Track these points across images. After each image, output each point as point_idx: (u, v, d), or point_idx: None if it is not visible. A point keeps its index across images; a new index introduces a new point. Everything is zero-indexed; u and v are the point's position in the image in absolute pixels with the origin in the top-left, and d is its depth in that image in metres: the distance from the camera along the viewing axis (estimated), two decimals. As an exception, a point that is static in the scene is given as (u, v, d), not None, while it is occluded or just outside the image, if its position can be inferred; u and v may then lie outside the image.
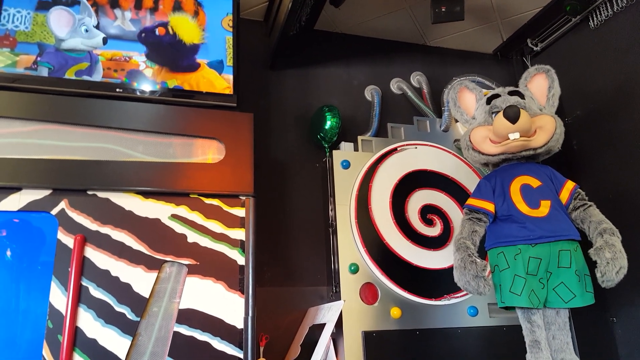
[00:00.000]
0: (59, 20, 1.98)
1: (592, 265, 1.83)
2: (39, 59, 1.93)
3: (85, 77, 1.97)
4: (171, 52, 2.12)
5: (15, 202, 1.73)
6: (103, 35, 2.03)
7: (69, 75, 1.95)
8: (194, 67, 2.13)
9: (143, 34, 2.09)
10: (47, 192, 1.77)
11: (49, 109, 1.86)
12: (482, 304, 2.42)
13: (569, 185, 2.00)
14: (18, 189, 1.75)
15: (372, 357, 2.16)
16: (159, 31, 2.11)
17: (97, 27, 2.04)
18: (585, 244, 1.90)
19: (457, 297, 2.39)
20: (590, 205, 1.97)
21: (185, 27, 2.17)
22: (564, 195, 1.98)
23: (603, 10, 2.60)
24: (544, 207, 1.93)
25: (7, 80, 1.87)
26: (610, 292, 2.05)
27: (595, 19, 2.66)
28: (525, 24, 2.97)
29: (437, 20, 2.45)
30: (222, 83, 2.14)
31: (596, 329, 2.52)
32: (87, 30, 1.99)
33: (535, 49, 3.06)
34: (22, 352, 1.62)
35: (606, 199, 2.43)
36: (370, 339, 2.20)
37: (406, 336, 2.26)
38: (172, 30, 2.14)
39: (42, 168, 1.77)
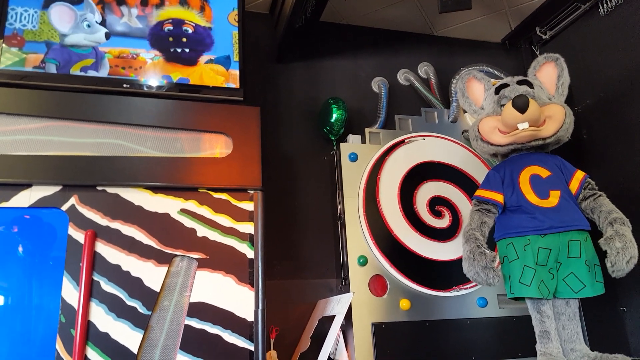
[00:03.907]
0: (60, 16, 1.99)
1: (602, 255, 1.82)
2: (45, 56, 1.94)
3: (92, 72, 1.97)
4: (176, 45, 2.11)
5: (26, 198, 1.75)
6: (105, 30, 2.03)
7: (75, 70, 1.96)
8: (194, 60, 2.12)
9: (152, 30, 2.09)
10: (57, 188, 1.79)
11: (58, 105, 1.87)
12: (491, 295, 2.42)
13: (579, 175, 1.99)
14: (28, 185, 1.76)
15: (381, 349, 2.17)
16: (165, 26, 2.11)
17: (104, 24, 2.04)
18: (595, 234, 1.89)
19: (467, 288, 2.39)
20: (600, 195, 1.96)
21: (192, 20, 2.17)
22: (574, 185, 1.97)
23: (613, -4, 2.55)
24: (554, 198, 1.92)
25: (16, 77, 1.88)
26: (621, 282, 2.04)
27: (605, 5, 2.61)
28: (533, 12, 2.92)
29: (444, 10, 2.41)
30: (228, 79, 2.14)
31: (606, 319, 2.51)
32: (89, 26, 1.99)
33: (544, 37, 3.01)
34: (36, 347, 1.65)
35: (616, 188, 2.41)
36: (380, 331, 2.20)
37: (415, 327, 2.27)
38: (181, 23, 2.13)
39: (52, 164, 1.79)
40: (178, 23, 2.14)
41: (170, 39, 2.11)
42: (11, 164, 1.75)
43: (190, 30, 2.14)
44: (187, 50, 2.12)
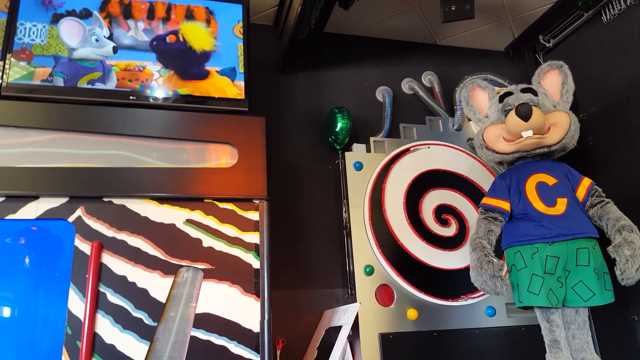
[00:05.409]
0: (69, 30, 2.02)
1: (611, 263, 1.80)
2: (53, 69, 1.96)
3: (99, 85, 2.00)
4: (181, 60, 2.13)
5: (33, 210, 1.76)
6: (113, 44, 2.06)
7: (82, 83, 1.98)
8: (202, 75, 2.14)
9: (154, 42, 2.11)
10: (63, 200, 1.80)
11: (64, 117, 1.89)
12: (499, 304, 2.39)
13: (586, 182, 1.98)
14: (35, 197, 1.77)
15: (389, 359, 2.15)
16: (170, 39, 2.14)
17: (111, 38, 2.07)
18: (604, 241, 1.87)
19: (474, 297, 2.37)
20: (607, 202, 1.94)
21: (195, 34, 2.19)
22: (581, 193, 1.96)
23: (616, 4, 2.56)
24: (561, 205, 1.91)
25: (24, 91, 1.90)
26: (631, 290, 2.02)
27: (608, 13, 2.62)
28: (536, 20, 2.94)
29: (448, 19, 2.43)
30: (234, 90, 2.16)
31: (617, 328, 2.47)
32: (97, 40, 2.02)
33: (547, 45, 3.02)
34: (42, 358, 1.64)
35: (624, 195, 2.39)
36: (387, 341, 2.18)
37: (423, 337, 2.24)
38: (183, 37, 2.16)
39: (59, 176, 1.80)
40: (178, 35, 2.17)
41: (174, 51, 2.13)
42: (19, 176, 1.76)
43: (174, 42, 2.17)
44: (191, 62, 2.14)
